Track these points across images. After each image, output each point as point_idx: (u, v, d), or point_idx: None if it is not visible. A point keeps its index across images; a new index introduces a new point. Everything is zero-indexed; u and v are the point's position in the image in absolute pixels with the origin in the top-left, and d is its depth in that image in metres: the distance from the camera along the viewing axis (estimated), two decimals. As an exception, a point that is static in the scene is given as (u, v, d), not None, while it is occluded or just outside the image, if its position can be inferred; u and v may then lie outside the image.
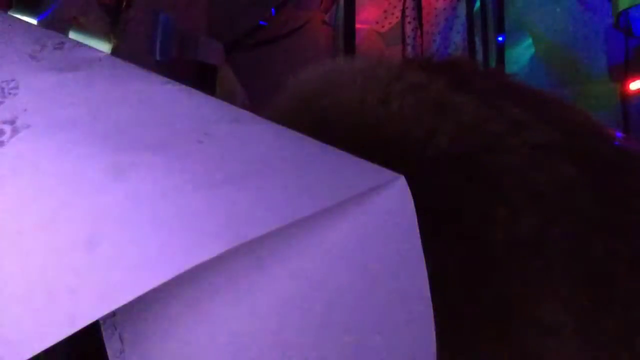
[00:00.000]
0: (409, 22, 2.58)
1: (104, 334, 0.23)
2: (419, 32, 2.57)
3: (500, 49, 2.62)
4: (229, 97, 1.73)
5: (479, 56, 2.54)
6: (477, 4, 2.66)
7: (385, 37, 2.63)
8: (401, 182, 0.26)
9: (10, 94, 0.24)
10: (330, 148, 0.27)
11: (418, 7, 2.59)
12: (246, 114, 0.27)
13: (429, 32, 2.61)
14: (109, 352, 0.23)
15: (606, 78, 2.65)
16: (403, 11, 2.58)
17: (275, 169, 0.25)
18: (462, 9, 2.62)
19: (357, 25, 2.36)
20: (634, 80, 2.56)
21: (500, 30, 2.63)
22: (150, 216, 0.22)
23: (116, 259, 0.21)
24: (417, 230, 0.26)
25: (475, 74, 0.41)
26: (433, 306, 0.26)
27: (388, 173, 0.26)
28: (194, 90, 0.27)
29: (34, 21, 1.22)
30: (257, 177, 0.24)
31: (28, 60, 0.25)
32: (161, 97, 0.26)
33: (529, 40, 2.75)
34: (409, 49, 2.53)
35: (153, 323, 0.23)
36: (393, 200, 0.26)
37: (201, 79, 1.68)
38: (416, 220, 0.26)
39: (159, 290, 0.21)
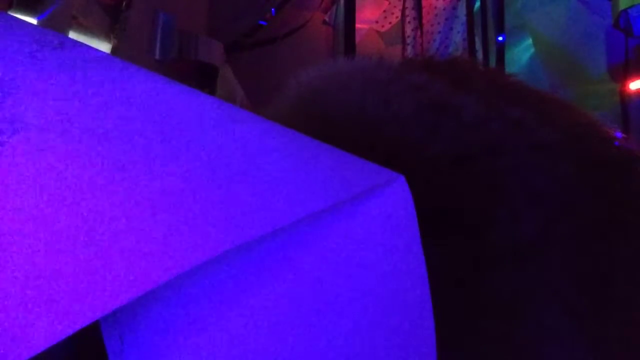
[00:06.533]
0: (409, 22, 2.58)
1: (104, 334, 0.23)
2: (419, 32, 2.57)
3: (500, 49, 2.62)
4: (229, 97, 1.73)
5: (479, 56, 2.54)
6: (477, 4, 2.66)
7: (385, 37, 2.63)
8: (401, 181, 0.26)
9: (10, 94, 0.24)
10: (330, 147, 0.27)
11: (418, 7, 2.59)
12: (246, 114, 0.27)
13: (429, 32, 2.61)
14: (109, 352, 0.23)
15: (606, 78, 2.65)
16: (403, 11, 2.59)
17: (275, 168, 0.25)
18: (462, 9, 2.62)
19: (357, 25, 2.37)
20: (634, 80, 2.56)
21: (500, 30, 2.63)
22: (151, 216, 0.22)
23: (116, 258, 0.21)
24: (417, 230, 0.26)
25: (475, 74, 0.41)
26: (433, 306, 0.26)
27: (388, 172, 0.26)
28: (194, 90, 0.27)
29: (34, 21, 1.22)
30: (257, 177, 0.24)
31: (28, 60, 0.25)
32: (161, 97, 0.26)
33: (529, 40, 2.75)
34: (409, 49, 2.54)
35: (153, 323, 0.23)
36: (393, 199, 0.26)
37: (201, 79, 1.68)
38: (416, 220, 0.26)
39: (159, 290, 0.21)
